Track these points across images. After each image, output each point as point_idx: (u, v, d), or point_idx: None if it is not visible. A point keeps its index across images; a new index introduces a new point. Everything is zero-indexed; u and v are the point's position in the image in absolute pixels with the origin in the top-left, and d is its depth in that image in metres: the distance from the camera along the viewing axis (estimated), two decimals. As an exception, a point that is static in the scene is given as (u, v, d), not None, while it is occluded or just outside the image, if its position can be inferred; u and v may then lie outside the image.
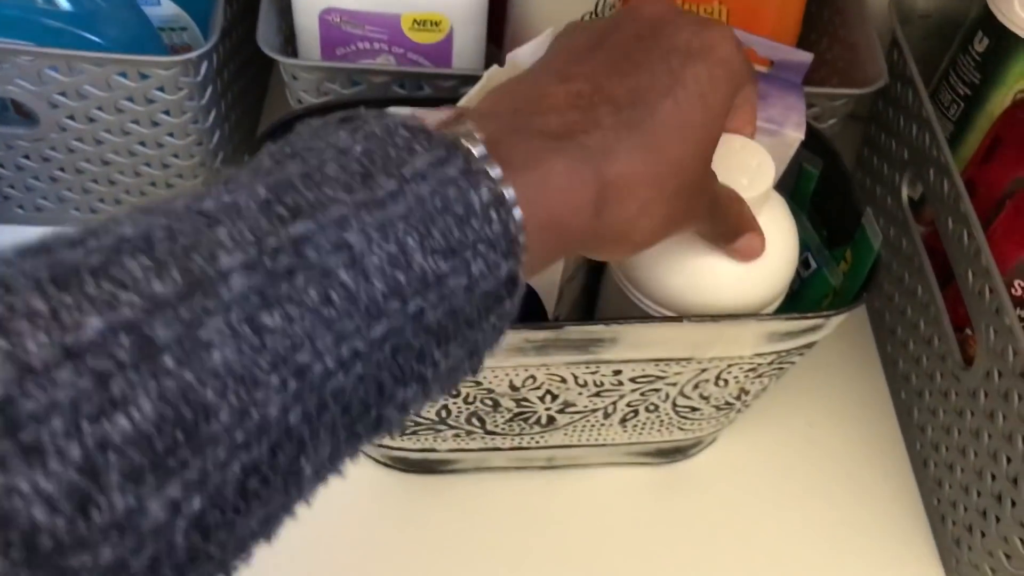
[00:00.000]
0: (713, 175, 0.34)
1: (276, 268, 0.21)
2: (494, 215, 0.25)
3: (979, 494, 0.46)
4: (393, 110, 0.27)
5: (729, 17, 0.56)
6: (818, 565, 0.50)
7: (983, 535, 0.45)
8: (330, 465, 0.24)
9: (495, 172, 0.25)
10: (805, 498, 0.52)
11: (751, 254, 0.37)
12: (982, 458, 0.45)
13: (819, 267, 0.44)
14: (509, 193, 0.25)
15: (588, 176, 0.28)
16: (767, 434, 0.54)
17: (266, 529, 0.23)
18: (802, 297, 0.45)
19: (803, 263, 0.45)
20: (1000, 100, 0.52)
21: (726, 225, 0.36)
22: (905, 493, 0.52)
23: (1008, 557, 0.44)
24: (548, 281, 0.42)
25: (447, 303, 0.24)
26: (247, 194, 0.22)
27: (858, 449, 0.54)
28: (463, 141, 0.25)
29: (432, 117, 0.27)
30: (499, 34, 0.55)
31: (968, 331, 0.48)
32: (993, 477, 0.44)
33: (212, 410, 0.20)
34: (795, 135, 0.43)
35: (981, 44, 0.52)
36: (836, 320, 0.40)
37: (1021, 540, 0.43)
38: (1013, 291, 0.48)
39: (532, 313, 0.44)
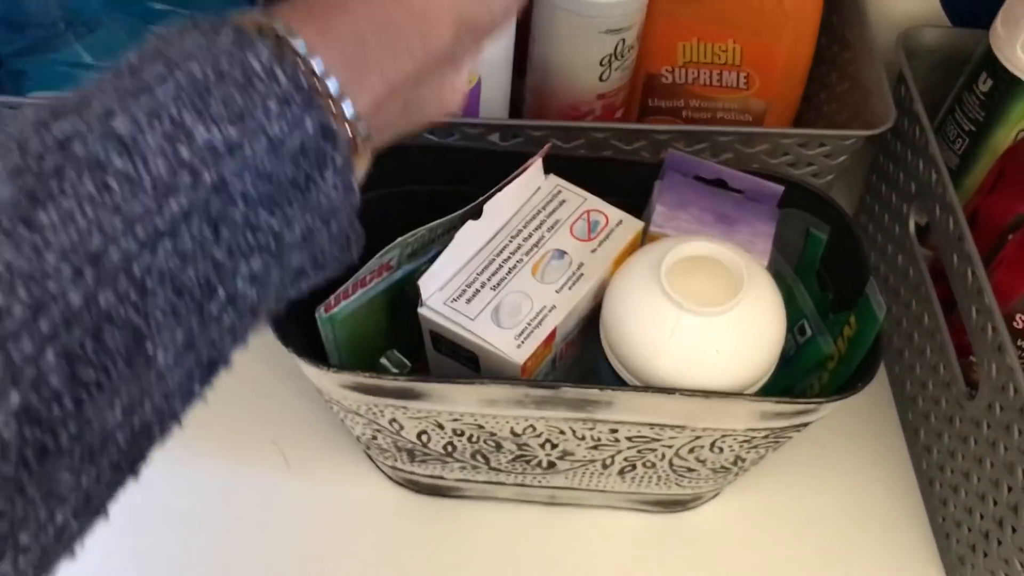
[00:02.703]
0: None
1: (43, 169, 0.22)
2: (278, 71, 0.25)
3: (982, 517, 0.49)
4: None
5: (743, 54, 0.58)
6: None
7: (985, 555, 0.48)
8: (196, 348, 0.25)
9: (278, 26, 0.26)
10: (813, 514, 0.55)
11: None
12: (984, 483, 0.48)
13: (814, 335, 0.46)
14: (298, 44, 0.26)
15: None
16: (778, 461, 0.56)
17: (132, 420, 0.24)
18: (796, 363, 0.47)
19: (799, 330, 0.47)
20: (1003, 137, 0.54)
21: None
22: (912, 511, 0.55)
23: (1009, 578, 0.47)
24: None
25: (252, 168, 0.24)
26: (30, 115, 0.24)
27: (867, 468, 0.57)
28: (246, 18, 0.26)
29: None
30: (522, 67, 0.58)
31: (973, 358, 0.51)
32: (995, 502, 0.47)
33: (3, 310, 0.21)
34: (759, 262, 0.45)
35: (985, 84, 0.54)
36: (829, 406, 0.42)
37: (1021, 564, 0.45)
38: (1015, 324, 0.50)
39: None
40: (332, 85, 0.27)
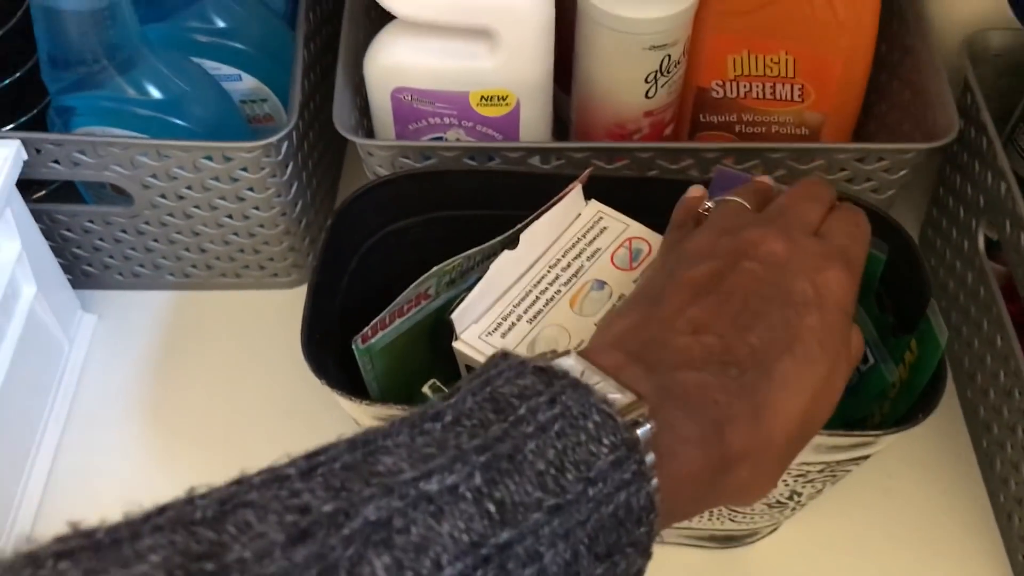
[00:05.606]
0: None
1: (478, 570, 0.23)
2: (644, 518, 0.27)
3: (1063, 554, 0.45)
4: (579, 367, 0.29)
5: (796, 66, 0.56)
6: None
7: (1068, 596, 0.45)
8: None
9: (648, 459, 0.27)
10: (879, 549, 0.52)
11: None
12: (1065, 519, 0.45)
13: (876, 362, 0.43)
14: (653, 485, 0.27)
15: (714, 453, 0.29)
16: (841, 492, 0.53)
17: None
18: (859, 393, 0.44)
19: (862, 357, 0.44)
20: (1079, 145, 0.51)
21: None
22: (988, 546, 0.52)
23: (1094, 621, 0.43)
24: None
25: None
26: (464, 475, 0.24)
27: (938, 499, 0.54)
28: (636, 434, 0.27)
29: (615, 389, 0.28)
30: (567, 82, 0.56)
31: (1050, 382, 0.48)
32: (1076, 540, 0.44)
33: None
34: None
35: (1057, 89, 0.51)
36: (888, 439, 0.39)
37: (1106, 606, 0.42)
38: (1095, 346, 0.47)
39: None
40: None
